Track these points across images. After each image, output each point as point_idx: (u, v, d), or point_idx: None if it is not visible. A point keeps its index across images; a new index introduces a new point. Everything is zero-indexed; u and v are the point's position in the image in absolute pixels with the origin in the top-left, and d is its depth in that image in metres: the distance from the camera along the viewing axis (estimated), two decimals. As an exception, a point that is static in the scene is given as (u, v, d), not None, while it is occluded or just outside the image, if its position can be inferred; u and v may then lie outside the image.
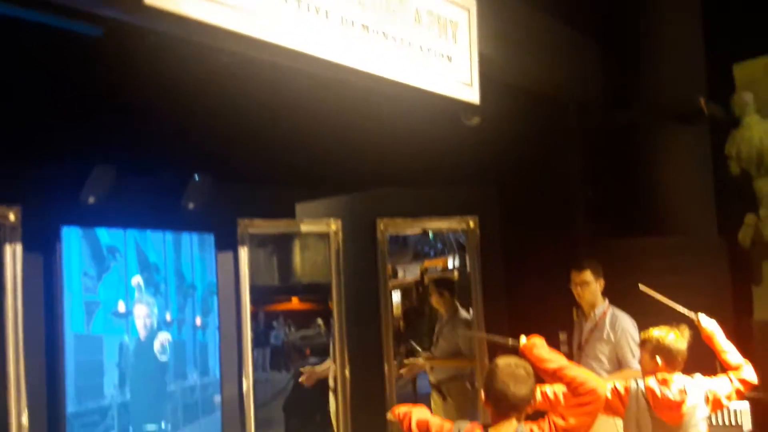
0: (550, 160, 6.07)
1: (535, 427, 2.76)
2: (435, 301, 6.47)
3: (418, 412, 3.12)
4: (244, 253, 5.19)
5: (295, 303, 14.11)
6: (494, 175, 6.05)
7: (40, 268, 4.18)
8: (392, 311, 6.03)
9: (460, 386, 6.25)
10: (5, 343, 3.99)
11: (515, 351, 3.05)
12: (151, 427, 4.65)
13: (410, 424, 3.06)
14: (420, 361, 6.28)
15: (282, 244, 12.49)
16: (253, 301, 5.30)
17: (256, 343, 13.89)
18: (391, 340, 5.80)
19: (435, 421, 3.03)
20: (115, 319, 4.49)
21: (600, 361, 4.79)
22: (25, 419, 4.00)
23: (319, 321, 13.27)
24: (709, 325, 3.88)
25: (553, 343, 3.14)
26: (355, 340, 5.65)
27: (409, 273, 15.43)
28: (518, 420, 2.82)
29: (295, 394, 9.12)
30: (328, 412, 6.13)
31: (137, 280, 4.62)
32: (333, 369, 5.70)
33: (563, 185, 6.16)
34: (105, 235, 4.49)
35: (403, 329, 14.66)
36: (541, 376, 2.93)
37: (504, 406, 2.81)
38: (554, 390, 3.33)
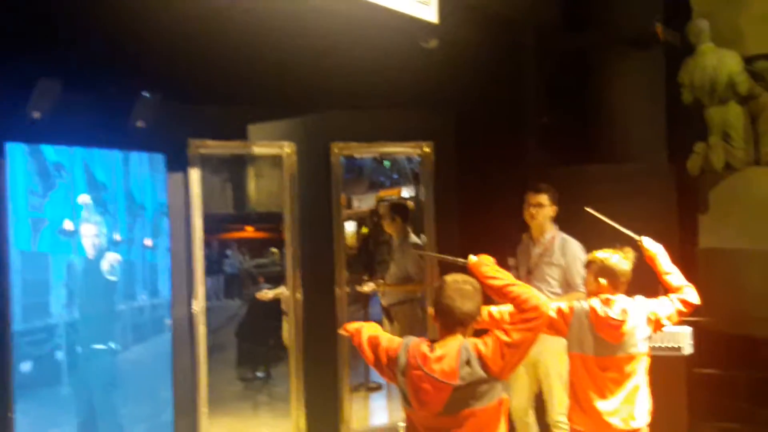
0: (506, 85, 6.06)
1: (479, 342, 2.81)
2: (387, 225, 6.52)
3: (369, 329, 3.15)
4: (195, 174, 5.12)
5: (249, 232, 14.04)
6: (451, 100, 6.01)
7: (-17, 182, 4.08)
8: (344, 236, 6.02)
9: (409, 310, 6.36)
10: (-52, 258, 3.92)
11: (464, 270, 3.07)
12: (99, 346, 4.63)
13: (361, 339, 3.10)
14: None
15: (236, 172, 12.36)
16: (207, 229, 5.25)
17: (210, 270, 13.87)
18: (343, 264, 5.82)
19: (385, 336, 3.07)
20: (62, 237, 4.41)
21: (549, 284, 4.93)
22: (-31, 336, 3.96)
23: (274, 250, 13.25)
24: (652, 247, 3.98)
25: (503, 268, 3.18)
26: (308, 264, 5.65)
27: (365, 203, 15.43)
28: (464, 335, 2.87)
29: (247, 319, 9.19)
30: (281, 337, 6.18)
31: (84, 198, 4.53)
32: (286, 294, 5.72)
33: (518, 111, 6.18)
34: (51, 152, 4.38)
35: (356, 258, 14.74)
36: (488, 293, 2.97)
37: (450, 320, 2.86)
38: (500, 310, 3.41)
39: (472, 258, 3.08)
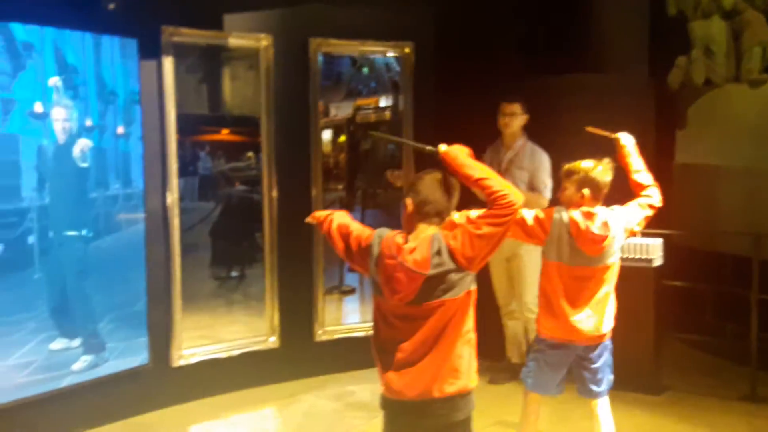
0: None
1: (449, 235, 2.81)
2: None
3: (340, 217, 3.11)
4: (168, 62, 4.99)
5: (224, 134, 13.89)
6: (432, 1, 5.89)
7: (-52, 59, 3.95)
8: (320, 134, 5.95)
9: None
10: None
11: (434, 159, 3.00)
12: (71, 232, 4.60)
13: (330, 227, 3.07)
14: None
15: (213, 73, 12.13)
16: (181, 130, 5.17)
17: (184, 172, 13.76)
18: (320, 163, 5.79)
19: (356, 226, 3.03)
20: (32, 120, 4.31)
21: (518, 187, 5.02)
22: (-63, 216, 3.90)
23: (250, 154, 13.17)
24: (628, 142, 3.98)
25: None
26: (284, 162, 5.61)
27: (342, 112, 15.29)
28: (437, 227, 2.87)
29: (222, 220, 9.22)
30: (255, 239, 6.16)
31: (55, 81, 4.41)
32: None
33: (499, 16, 6.06)
34: (21, 30, 4.23)
35: (332, 166, 14.70)
36: (463, 182, 2.92)
37: (430, 211, 2.84)
38: (468, 214, 3.34)
39: (443, 147, 3.00)
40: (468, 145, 2.99)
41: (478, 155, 5.27)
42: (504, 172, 5.20)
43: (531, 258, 5.07)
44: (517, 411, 4.10)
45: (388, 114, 11.74)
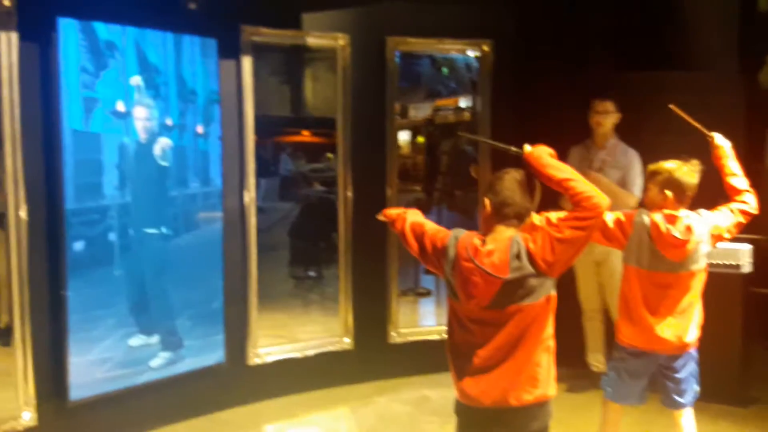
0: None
1: (529, 238, 2.69)
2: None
3: (413, 215, 3.04)
4: (247, 62, 5.01)
5: (305, 136, 14.04)
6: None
7: (36, 59, 4.05)
8: (397, 133, 5.89)
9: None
10: (2, 134, 3.92)
11: (518, 160, 2.90)
12: (151, 230, 4.66)
13: (404, 225, 2.99)
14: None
15: (294, 75, 12.28)
16: (263, 131, 5.20)
17: (266, 172, 13.98)
18: (395, 163, 5.73)
19: (430, 225, 2.95)
20: (114, 118, 4.39)
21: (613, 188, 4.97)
22: (23, 213, 3.99)
23: (330, 155, 13.25)
24: (723, 144, 3.78)
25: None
26: (359, 161, 5.58)
27: (421, 113, 15.25)
28: (516, 229, 2.76)
29: (301, 220, 9.29)
30: (333, 239, 6.12)
31: (137, 80, 4.48)
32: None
33: (584, 12, 5.87)
34: (103, 30, 4.31)
35: (410, 167, 14.65)
36: (546, 184, 2.80)
37: (510, 213, 2.74)
38: (548, 216, 3.21)
39: (528, 148, 2.89)
40: (550, 146, 2.87)
41: (562, 156, 5.17)
42: (598, 171, 5.10)
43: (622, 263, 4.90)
44: (596, 421, 3.94)
45: (467, 115, 11.63)
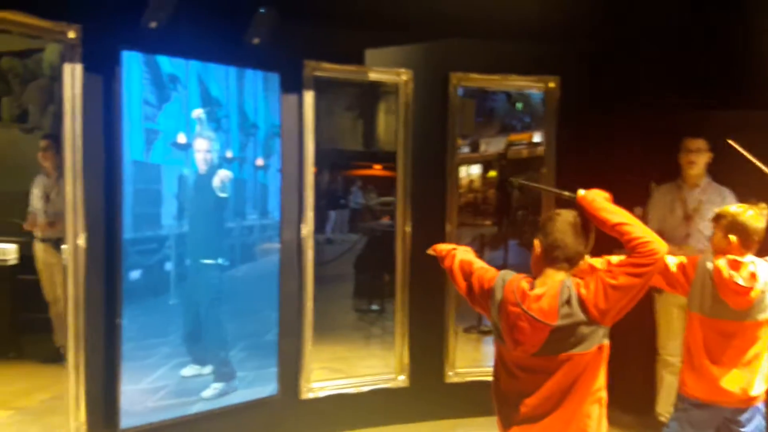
0: (646, 15, 5.58)
1: (581, 283, 2.57)
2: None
3: (463, 253, 2.97)
4: (309, 96, 5.04)
5: (377, 170, 14.13)
6: (581, 32, 5.63)
7: (99, 91, 4.13)
8: (457, 170, 5.82)
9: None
10: (64, 163, 4.02)
11: (572, 206, 2.80)
12: (208, 261, 4.70)
13: (453, 263, 2.92)
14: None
15: (366, 111, 12.41)
16: (335, 165, 5.22)
17: (336, 205, 14.11)
18: (456, 199, 5.65)
19: (479, 264, 2.88)
20: (174, 150, 4.46)
21: (710, 226, 4.74)
22: (82, 241, 4.07)
23: (399, 188, 13.28)
24: None
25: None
26: (419, 197, 5.52)
27: (493, 147, 15.14)
28: (566, 273, 2.65)
29: (365, 253, 9.30)
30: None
31: (198, 113, 4.55)
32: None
33: (659, 46, 5.69)
34: (167, 63, 4.40)
35: (480, 201, 14.52)
36: (600, 228, 2.69)
37: (560, 256, 2.63)
38: (609, 259, 3.10)
39: (581, 191, 2.79)
40: (619, 186, 2.77)
41: (632, 198, 5.02)
42: (693, 212, 4.98)
43: None
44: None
45: (541, 150, 11.49)
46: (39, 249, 5.50)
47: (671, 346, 5.09)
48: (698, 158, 5.01)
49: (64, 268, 4.04)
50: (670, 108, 5.78)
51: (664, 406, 5.13)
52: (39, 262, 5.47)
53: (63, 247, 4.04)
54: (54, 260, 5.28)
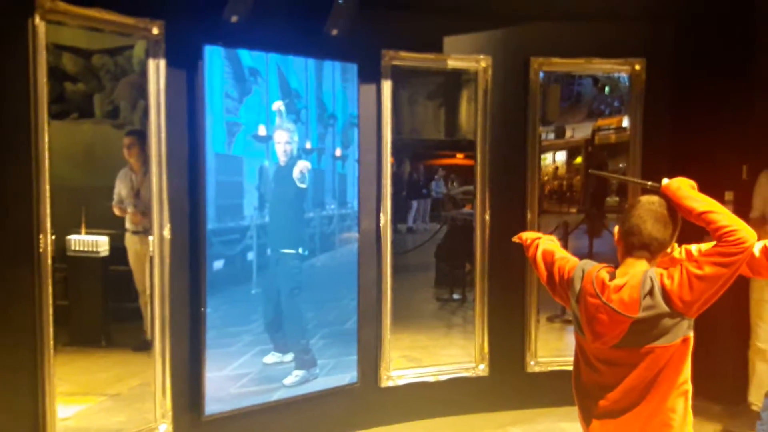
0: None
1: (665, 274, 2.47)
2: None
3: (546, 242, 2.90)
4: (387, 86, 5.05)
5: (459, 159, 14.05)
6: (669, 11, 5.43)
7: (182, 85, 4.24)
8: (539, 156, 5.71)
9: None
10: (149, 156, 4.14)
11: (657, 194, 2.69)
12: (288, 250, 4.77)
13: (536, 252, 2.87)
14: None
15: (448, 99, 12.34)
16: (417, 155, 5.21)
17: (418, 194, 14.12)
18: (536, 186, 5.55)
19: (561, 254, 2.80)
20: (255, 142, 4.53)
21: None
22: (167, 232, 4.19)
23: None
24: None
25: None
26: (498, 185, 5.46)
27: (579, 132, 14.84)
28: (649, 262, 2.55)
29: (446, 242, 9.27)
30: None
31: (278, 105, 4.61)
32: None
33: (749, 25, 5.43)
34: (247, 57, 4.47)
35: (566, 189, 14.26)
36: (686, 218, 2.58)
37: (635, 243, 2.53)
38: (699, 248, 2.97)
39: (665, 180, 2.68)
40: (706, 172, 2.64)
41: (722, 182, 4.82)
42: None
43: None
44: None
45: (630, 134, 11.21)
46: (131, 241, 5.65)
47: (764, 333, 4.89)
48: None
49: (151, 259, 4.18)
50: (762, 87, 5.53)
51: (757, 396, 4.95)
52: (131, 254, 5.63)
53: (150, 238, 4.18)
54: (145, 251, 5.45)
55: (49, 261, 3.60)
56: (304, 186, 4.77)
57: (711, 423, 5.00)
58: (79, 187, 5.70)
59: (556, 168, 15.64)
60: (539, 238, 2.95)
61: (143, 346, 4.59)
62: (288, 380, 4.76)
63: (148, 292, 5.31)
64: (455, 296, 8.50)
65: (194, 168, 4.29)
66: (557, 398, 5.32)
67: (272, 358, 4.70)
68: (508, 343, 5.53)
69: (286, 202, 4.74)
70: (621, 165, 5.85)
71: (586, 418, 2.65)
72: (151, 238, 4.19)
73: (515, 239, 3.09)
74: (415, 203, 14.01)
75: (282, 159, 4.66)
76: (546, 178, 13.58)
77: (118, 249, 5.71)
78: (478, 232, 5.45)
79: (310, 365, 4.85)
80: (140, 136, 5.40)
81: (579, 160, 14.76)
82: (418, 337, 6.62)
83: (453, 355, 5.92)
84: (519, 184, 5.49)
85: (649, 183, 2.71)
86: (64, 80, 6.05)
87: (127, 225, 5.63)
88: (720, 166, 5.28)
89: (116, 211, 5.63)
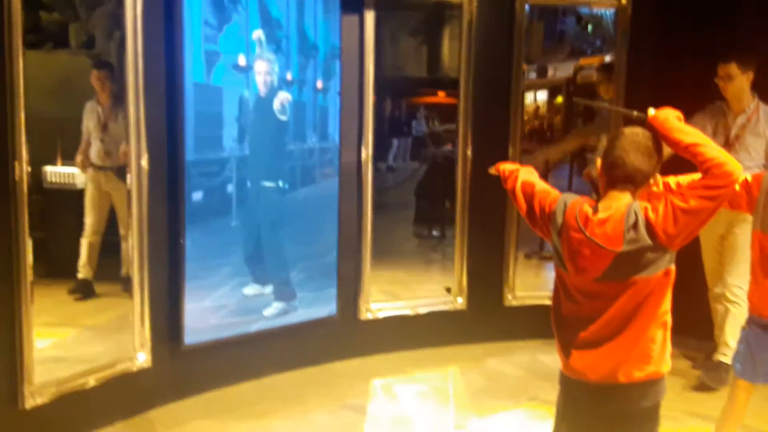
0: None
1: (649, 207, 2.46)
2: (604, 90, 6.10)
3: (526, 174, 2.87)
4: (369, 17, 4.94)
5: (441, 97, 13.93)
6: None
7: (160, 12, 4.12)
8: (523, 93, 5.66)
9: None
10: (126, 85, 4.04)
11: (642, 124, 2.66)
12: (268, 183, 4.73)
13: (515, 183, 2.83)
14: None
15: (430, 36, 12.16)
16: (399, 93, 5.13)
17: (399, 133, 14.05)
18: (519, 122, 5.52)
19: (541, 186, 2.77)
20: (235, 72, 4.44)
21: (751, 157, 4.54)
22: (144, 162, 4.12)
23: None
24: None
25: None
26: (482, 120, 5.42)
27: (561, 71, 14.74)
28: (632, 195, 2.53)
29: (426, 179, 9.27)
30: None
31: (258, 34, 4.51)
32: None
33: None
34: (226, -17, 4.35)
35: (546, 128, 14.24)
36: (672, 150, 2.55)
37: (619, 175, 2.50)
38: (678, 180, 2.96)
39: (652, 111, 2.64)
40: (690, 108, 2.60)
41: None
42: (734, 139, 4.70)
43: (747, 237, 4.53)
44: (712, 400, 3.68)
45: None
46: (94, 178, 5.44)
47: (717, 277, 4.93)
48: (726, 85, 4.71)
49: (128, 191, 4.11)
50: (746, 25, 5.49)
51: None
52: (91, 191, 5.43)
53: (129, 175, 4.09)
54: (110, 188, 5.30)
55: (25, 190, 3.53)
56: (284, 118, 4.71)
57: (687, 352, 5.14)
58: (54, 119, 5.56)
59: (537, 108, 15.58)
60: (518, 169, 2.91)
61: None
62: (267, 312, 4.77)
63: (98, 233, 5.28)
64: (434, 233, 8.54)
65: (172, 97, 4.20)
66: (534, 331, 5.41)
67: (252, 289, 4.71)
68: (486, 278, 5.57)
69: (266, 134, 4.68)
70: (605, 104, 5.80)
71: (565, 349, 2.65)
72: (128, 177, 4.09)
73: (492, 170, 3.05)
74: (396, 141, 13.93)
75: (262, 90, 4.58)
76: (527, 117, 13.52)
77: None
78: (459, 167, 5.44)
79: (289, 297, 4.86)
80: (109, 68, 5.26)
81: (560, 99, 14.70)
82: (397, 273, 6.66)
83: (432, 290, 5.97)
84: (502, 120, 5.45)
85: (635, 112, 2.68)
86: (39, 9, 5.85)
87: (93, 160, 5.42)
88: (703, 104, 5.26)
89: (78, 160, 5.46)
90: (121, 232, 5.05)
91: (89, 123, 5.41)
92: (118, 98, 4.93)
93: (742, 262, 4.59)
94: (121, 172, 4.35)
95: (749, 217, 4.15)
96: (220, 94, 4.43)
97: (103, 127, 5.32)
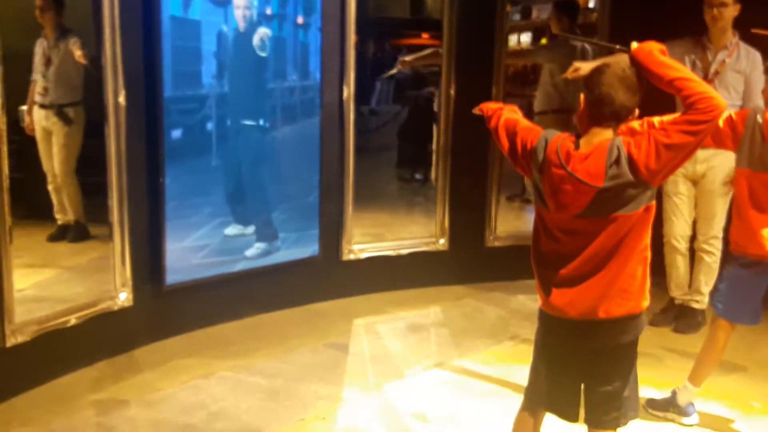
0: None
1: (631, 142, 2.43)
2: (553, 27, 6.03)
3: (509, 113, 2.83)
4: (350, -51, 4.82)
5: (425, 39, 13.73)
6: None
7: (135, -59, 4.00)
8: (506, 31, 5.59)
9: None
10: (102, 20, 3.93)
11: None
12: (249, 122, 4.66)
13: (498, 122, 2.80)
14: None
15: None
16: (382, 34, 5.03)
17: (382, 74, 13.87)
18: (503, 61, 5.46)
19: (524, 124, 2.74)
20: (213, 6, 4.33)
21: (730, 95, 4.47)
22: (122, 99, 4.03)
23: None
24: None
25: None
26: (465, 59, 5.35)
27: (545, 12, 14.58)
28: (614, 131, 2.51)
29: (409, 122, 9.20)
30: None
31: (237, -34, 4.39)
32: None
33: None
34: None
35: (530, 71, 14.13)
36: (655, 84, 2.51)
37: (603, 112, 2.46)
38: (662, 119, 2.92)
39: (635, 44, 2.59)
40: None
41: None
42: (714, 76, 4.57)
43: (722, 178, 4.55)
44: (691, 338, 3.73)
45: (595, 16, 11.04)
46: (39, 116, 5.07)
47: (674, 229, 4.84)
48: (721, 13, 4.48)
49: (105, 128, 4.02)
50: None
51: (675, 288, 4.96)
52: (38, 131, 5.07)
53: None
54: (54, 128, 5.03)
55: (4, 128, 3.45)
56: (264, 54, 4.61)
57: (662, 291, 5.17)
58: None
59: (521, 50, 15.41)
60: (501, 108, 2.87)
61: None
62: (249, 252, 4.76)
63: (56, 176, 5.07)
64: (417, 176, 8.51)
65: (149, 31, 4.10)
66: (515, 272, 5.44)
67: (233, 230, 4.68)
68: (468, 219, 5.57)
69: (246, 71, 4.59)
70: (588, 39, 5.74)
71: (545, 287, 2.64)
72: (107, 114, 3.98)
73: (476, 111, 3.01)
74: (378, 84, 13.77)
75: (241, 24, 4.48)
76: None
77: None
78: (442, 107, 5.39)
79: (271, 238, 4.84)
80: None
81: (544, 41, 14.54)
82: (379, 216, 6.65)
83: (414, 232, 5.97)
84: (485, 60, 5.39)
85: (618, 46, 2.64)
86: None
87: (36, 98, 5.04)
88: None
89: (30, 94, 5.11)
90: (57, 173, 4.90)
91: (36, 59, 5.06)
92: (64, 31, 4.79)
93: (720, 213, 4.62)
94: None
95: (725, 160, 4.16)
96: (198, 28, 4.32)
97: (46, 62, 4.98)
